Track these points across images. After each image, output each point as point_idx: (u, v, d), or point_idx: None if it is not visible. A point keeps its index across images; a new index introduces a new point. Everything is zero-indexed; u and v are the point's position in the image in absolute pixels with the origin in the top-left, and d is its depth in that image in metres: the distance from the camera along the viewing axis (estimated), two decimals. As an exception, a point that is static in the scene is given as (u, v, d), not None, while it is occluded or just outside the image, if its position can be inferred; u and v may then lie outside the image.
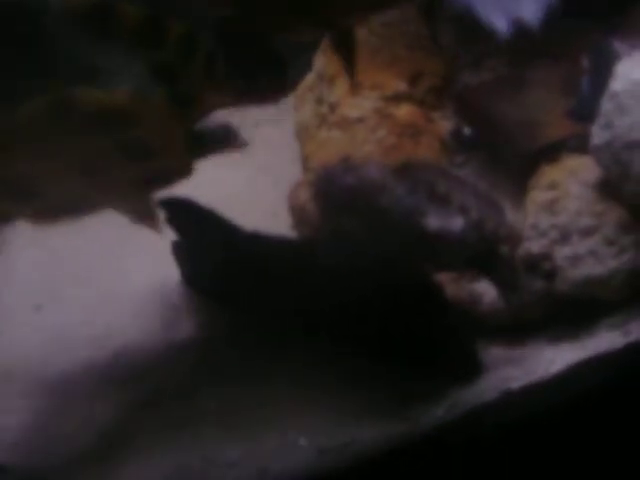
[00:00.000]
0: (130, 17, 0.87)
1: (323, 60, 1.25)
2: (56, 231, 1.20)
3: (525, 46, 1.22)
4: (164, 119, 0.89)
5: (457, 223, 0.97)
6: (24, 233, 1.21)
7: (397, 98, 1.18)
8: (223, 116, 1.44)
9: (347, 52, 1.04)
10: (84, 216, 1.00)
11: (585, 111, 1.09)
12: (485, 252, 0.96)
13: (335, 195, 0.95)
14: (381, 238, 0.96)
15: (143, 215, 0.97)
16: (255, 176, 1.29)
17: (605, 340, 1.04)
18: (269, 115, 1.44)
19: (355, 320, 1.00)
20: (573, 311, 1.06)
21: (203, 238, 1.02)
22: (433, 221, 0.93)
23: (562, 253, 1.04)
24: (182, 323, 1.10)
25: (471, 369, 1.01)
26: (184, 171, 0.96)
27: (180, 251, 1.07)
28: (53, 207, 0.97)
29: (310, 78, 1.29)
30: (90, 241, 1.18)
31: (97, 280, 1.16)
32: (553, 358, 1.03)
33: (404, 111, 1.16)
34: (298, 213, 1.11)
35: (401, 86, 1.18)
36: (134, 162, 0.92)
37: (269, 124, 1.41)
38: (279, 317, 1.04)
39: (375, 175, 0.95)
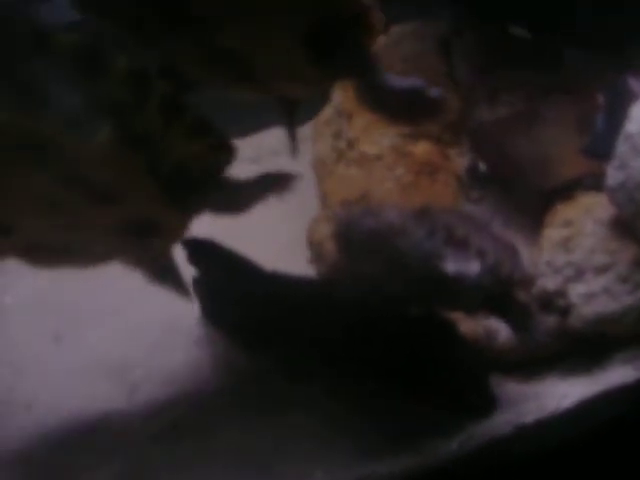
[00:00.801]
0: (65, 43, 0.82)
1: (341, 95, 1.26)
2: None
3: (541, 81, 1.24)
4: (112, 159, 0.83)
5: (474, 267, 0.98)
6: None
7: (414, 135, 1.19)
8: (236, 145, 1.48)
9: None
10: (91, 266, 1.00)
11: (600, 149, 1.11)
12: (499, 295, 0.98)
13: (355, 237, 0.97)
14: (399, 281, 0.97)
15: (158, 272, 0.96)
16: (272, 209, 1.28)
17: (617, 375, 1.05)
18: (286, 145, 1.47)
19: (371, 356, 1.01)
20: (586, 346, 1.07)
21: (223, 276, 1.04)
22: (450, 265, 0.95)
23: (576, 290, 1.05)
24: (201, 358, 1.11)
25: (485, 403, 1.02)
26: (173, 225, 0.92)
27: (200, 287, 1.09)
28: (37, 245, 0.93)
29: (328, 112, 1.30)
30: (109, 275, 1.20)
31: (116, 313, 1.17)
32: (566, 393, 1.04)
33: (421, 149, 1.18)
34: (316, 249, 1.12)
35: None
36: (98, 206, 0.87)
37: (286, 154, 1.43)
38: (297, 353, 1.06)
39: (395, 219, 0.96)
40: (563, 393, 1.04)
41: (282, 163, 1.40)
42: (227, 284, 1.04)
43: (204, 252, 1.01)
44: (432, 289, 0.95)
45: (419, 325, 0.96)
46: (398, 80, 0.99)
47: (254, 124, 1.45)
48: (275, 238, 1.25)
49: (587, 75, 1.22)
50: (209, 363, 1.11)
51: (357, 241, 0.96)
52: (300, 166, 1.36)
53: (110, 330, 1.15)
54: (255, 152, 1.43)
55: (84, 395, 1.09)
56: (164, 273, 1.01)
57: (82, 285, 1.19)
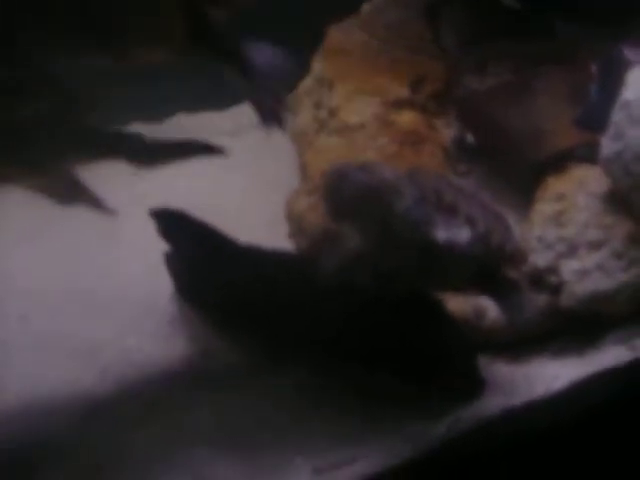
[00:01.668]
0: None
1: (322, 64, 1.22)
2: (42, 235, 1.20)
3: (532, 51, 1.20)
4: None
5: (464, 234, 0.94)
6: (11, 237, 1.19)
7: (398, 104, 1.14)
8: (215, 118, 1.43)
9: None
10: None
11: (593, 120, 1.07)
12: (489, 270, 0.94)
13: (346, 193, 0.91)
14: (386, 247, 0.93)
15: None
16: (252, 183, 1.25)
17: (610, 355, 1.02)
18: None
19: (354, 336, 0.97)
20: (578, 325, 1.04)
21: (195, 250, 0.99)
22: (441, 232, 0.91)
23: (569, 267, 1.01)
24: (176, 337, 1.06)
25: (474, 385, 0.98)
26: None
27: (173, 263, 1.04)
28: None
29: (308, 82, 1.25)
30: (78, 250, 1.16)
31: (85, 290, 1.12)
32: (557, 374, 1.00)
33: (406, 118, 1.13)
34: (296, 222, 1.06)
35: (402, 91, 1.15)
36: None
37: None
38: (278, 333, 1.01)
39: (389, 177, 0.92)
40: (554, 374, 1.00)
41: (262, 135, 1.37)
42: (201, 259, 0.99)
43: (175, 224, 0.96)
44: (422, 258, 0.91)
45: (405, 304, 0.91)
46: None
47: (233, 97, 1.41)
48: (253, 211, 1.21)
49: (580, 44, 1.19)
50: (183, 343, 1.05)
51: (348, 197, 0.90)
52: (281, 137, 1.33)
53: (79, 309, 1.10)
54: (234, 125, 1.38)
55: (52, 377, 1.03)
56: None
57: (50, 260, 1.16)
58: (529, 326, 1.02)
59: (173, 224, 0.95)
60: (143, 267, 1.11)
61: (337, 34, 1.22)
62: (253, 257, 0.92)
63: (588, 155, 1.06)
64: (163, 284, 1.09)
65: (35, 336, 1.08)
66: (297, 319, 0.99)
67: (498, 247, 0.97)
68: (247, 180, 1.26)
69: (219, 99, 1.40)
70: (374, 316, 0.94)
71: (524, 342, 1.03)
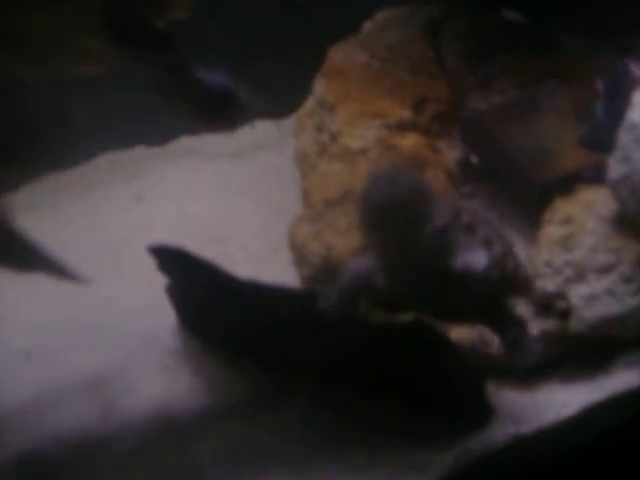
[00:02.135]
0: None
1: (322, 86, 1.19)
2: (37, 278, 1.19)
3: (536, 66, 1.18)
4: None
5: (482, 258, 0.92)
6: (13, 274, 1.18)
7: (401, 127, 1.12)
8: (219, 139, 1.42)
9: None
10: None
11: (600, 139, 1.04)
12: (498, 299, 0.92)
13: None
14: (403, 267, 0.91)
15: None
16: (255, 208, 1.23)
17: (622, 380, 0.99)
18: (270, 138, 1.41)
19: (361, 367, 0.95)
20: (588, 350, 1.01)
21: (194, 285, 0.97)
22: (460, 258, 0.89)
23: (578, 292, 0.99)
24: (180, 369, 1.04)
25: (482, 414, 0.96)
26: None
27: (174, 294, 1.02)
28: None
29: (310, 103, 1.23)
30: (80, 282, 1.13)
31: (89, 323, 1.10)
32: (567, 401, 0.99)
33: (408, 141, 1.11)
34: (298, 251, 1.05)
35: (405, 113, 1.13)
36: None
37: (270, 148, 1.37)
38: (280, 363, 1.00)
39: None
40: (564, 401, 0.98)
41: (265, 157, 1.36)
42: (201, 293, 0.97)
43: (173, 260, 0.94)
44: (437, 282, 0.89)
45: (408, 335, 0.90)
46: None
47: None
48: (257, 238, 1.19)
49: (586, 59, 1.17)
50: (187, 375, 1.04)
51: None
52: (285, 160, 1.32)
53: (82, 343, 1.08)
54: (237, 147, 1.36)
55: (58, 412, 1.02)
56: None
57: (54, 296, 1.14)
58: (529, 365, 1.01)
59: (171, 260, 0.94)
60: (146, 298, 1.09)
61: (338, 54, 1.20)
62: (251, 291, 0.90)
63: (596, 176, 1.03)
64: (166, 316, 1.08)
65: (39, 371, 1.06)
66: (301, 350, 0.97)
67: (512, 272, 0.96)
68: (251, 205, 1.24)
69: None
70: (378, 347, 0.92)
71: (535, 367, 1.01)
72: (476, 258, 0.94)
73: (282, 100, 1.32)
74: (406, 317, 0.95)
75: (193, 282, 0.95)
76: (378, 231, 0.90)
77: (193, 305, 1.00)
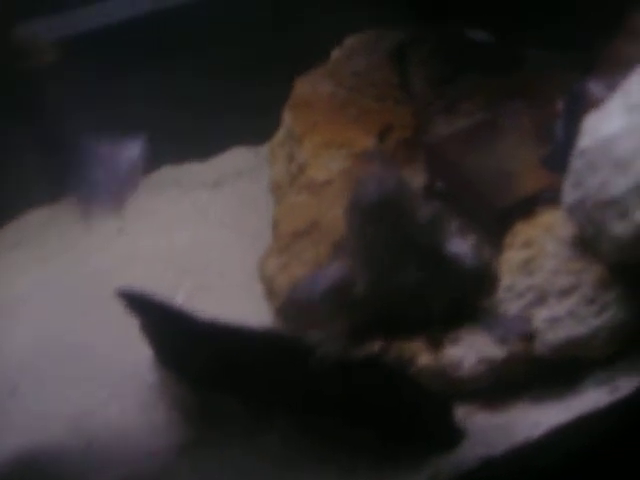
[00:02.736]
0: None
1: (290, 117, 1.21)
2: (25, 310, 1.22)
3: (500, 85, 1.18)
4: None
5: (465, 246, 0.97)
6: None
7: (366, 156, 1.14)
8: (200, 168, 1.44)
9: None
10: None
11: (560, 160, 1.04)
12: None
13: (367, 201, 0.94)
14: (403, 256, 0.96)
15: None
16: (232, 238, 1.25)
17: (592, 399, 1.00)
18: (249, 165, 1.43)
19: (331, 398, 0.97)
20: (557, 370, 1.02)
21: (161, 325, 0.99)
22: (449, 245, 0.95)
23: (540, 315, 1.00)
24: (158, 403, 1.06)
25: (452, 437, 0.97)
26: None
27: (147, 332, 1.04)
28: None
29: (281, 133, 1.25)
30: (60, 317, 1.16)
31: (70, 360, 1.13)
32: (538, 420, 0.99)
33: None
34: (268, 283, 1.07)
35: (369, 142, 1.14)
36: None
37: (249, 176, 1.38)
38: (254, 393, 1.02)
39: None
40: (534, 421, 0.99)
41: (244, 186, 1.38)
42: (169, 333, 0.99)
43: (138, 304, 0.97)
44: (431, 269, 0.94)
45: (365, 371, 0.91)
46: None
47: (215, 145, 1.42)
48: (232, 269, 1.21)
49: (548, 76, 1.17)
50: (165, 409, 1.06)
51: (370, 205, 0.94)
52: (263, 188, 1.34)
53: (66, 376, 1.11)
54: (218, 175, 1.38)
55: (38, 447, 1.05)
56: None
57: (36, 332, 1.18)
58: (506, 370, 1.02)
59: (136, 303, 0.96)
60: (125, 332, 1.09)
61: (304, 85, 1.22)
62: (218, 331, 0.93)
63: (556, 197, 1.03)
64: (144, 350, 1.09)
65: (22, 405, 1.10)
66: (273, 383, 0.99)
67: (488, 263, 0.98)
68: (228, 235, 1.26)
69: (201, 148, 1.41)
70: (344, 381, 0.94)
71: (503, 389, 1.01)
72: (461, 247, 0.97)
73: (259, 127, 1.34)
74: (368, 348, 0.99)
75: (160, 323, 0.98)
76: (369, 231, 0.94)
77: (164, 343, 1.02)
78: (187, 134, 1.40)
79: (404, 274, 0.99)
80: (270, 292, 1.06)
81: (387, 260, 0.99)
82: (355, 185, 0.98)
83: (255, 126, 1.35)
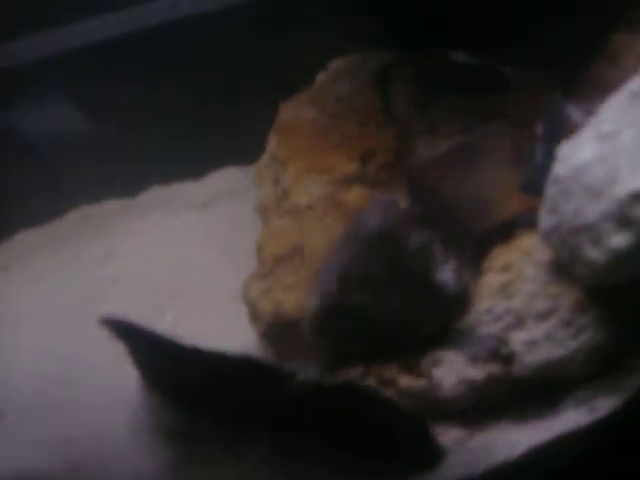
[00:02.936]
0: None
1: (274, 142, 1.23)
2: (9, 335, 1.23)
3: (481, 108, 1.19)
4: None
5: (449, 273, 0.99)
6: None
7: (347, 180, 1.15)
8: (191, 187, 1.46)
9: None
10: None
11: (539, 184, 1.05)
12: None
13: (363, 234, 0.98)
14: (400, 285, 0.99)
15: None
16: (219, 259, 1.28)
17: (571, 419, 1.01)
18: (239, 184, 1.44)
19: (308, 418, 0.99)
20: (536, 391, 1.03)
21: (146, 351, 1.01)
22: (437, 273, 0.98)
23: (518, 338, 1.01)
24: (145, 426, 1.08)
25: (431, 457, 0.99)
26: None
27: (134, 355, 1.06)
28: None
29: (266, 157, 1.26)
30: (48, 338, 1.18)
31: (55, 380, 1.15)
32: (517, 440, 1.00)
33: (352, 195, 1.13)
34: (252, 307, 1.09)
35: (351, 167, 1.16)
36: None
37: (238, 196, 1.40)
38: (235, 414, 1.03)
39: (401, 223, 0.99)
40: (514, 441, 1.00)
41: (234, 206, 1.39)
42: (153, 357, 1.02)
43: (123, 330, 0.99)
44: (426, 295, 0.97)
45: (343, 395, 0.93)
46: None
47: (207, 165, 1.44)
48: (218, 291, 1.23)
49: (529, 96, 1.18)
50: (153, 433, 1.08)
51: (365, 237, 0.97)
52: (251, 209, 1.35)
53: (52, 403, 1.13)
54: (207, 195, 1.41)
55: (26, 471, 1.07)
56: None
57: (23, 353, 1.21)
58: (486, 391, 1.03)
59: (121, 330, 0.98)
60: (112, 354, 1.11)
61: (288, 111, 1.23)
62: (200, 358, 0.95)
63: (535, 221, 1.04)
64: (130, 371, 1.11)
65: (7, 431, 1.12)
66: (255, 404, 1.01)
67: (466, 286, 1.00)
68: (215, 257, 1.28)
69: (191, 168, 1.43)
70: (321, 402, 0.96)
71: (483, 410, 1.03)
72: (446, 273, 0.99)
73: (249, 146, 1.35)
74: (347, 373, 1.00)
75: (144, 348, 1.00)
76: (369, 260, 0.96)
77: (150, 365, 1.04)
78: (178, 153, 1.42)
79: (393, 300, 1.02)
80: (254, 316, 1.07)
81: (379, 287, 1.01)
82: (356, 216, 1.01)
83: (246, 145, 1.36)
